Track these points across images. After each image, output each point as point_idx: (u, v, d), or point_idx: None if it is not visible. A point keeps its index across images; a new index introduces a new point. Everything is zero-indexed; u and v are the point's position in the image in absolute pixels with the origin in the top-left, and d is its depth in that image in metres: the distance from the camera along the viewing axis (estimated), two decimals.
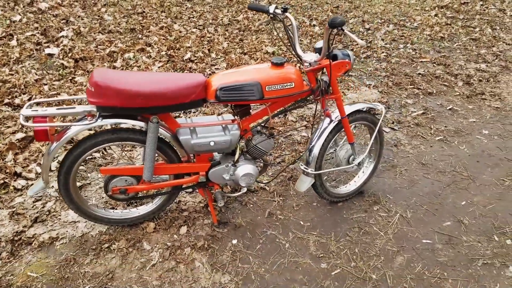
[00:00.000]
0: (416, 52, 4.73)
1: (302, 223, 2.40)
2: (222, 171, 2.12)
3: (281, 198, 2.57)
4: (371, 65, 4.43)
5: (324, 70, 2.10)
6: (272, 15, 2.06)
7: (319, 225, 2.39)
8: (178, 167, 2.09)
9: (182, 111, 3.38)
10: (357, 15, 5.86)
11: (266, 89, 1.93)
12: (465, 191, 2.72)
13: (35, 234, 2.20)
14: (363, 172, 2.63)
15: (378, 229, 2.39)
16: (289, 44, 2.08)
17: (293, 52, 2.08)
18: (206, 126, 2.03)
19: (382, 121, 2.40)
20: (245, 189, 2.26)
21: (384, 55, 4.63)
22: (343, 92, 3.84)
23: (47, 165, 1.89)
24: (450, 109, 3.70)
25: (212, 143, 1.98)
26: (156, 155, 2.04)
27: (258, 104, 2.04)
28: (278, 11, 2.03)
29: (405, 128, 3.38)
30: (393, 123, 3.43)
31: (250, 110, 2.10)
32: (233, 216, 2.40)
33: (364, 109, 2.36)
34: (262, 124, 2.19)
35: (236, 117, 2.09)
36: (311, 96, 2.14)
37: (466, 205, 2.60)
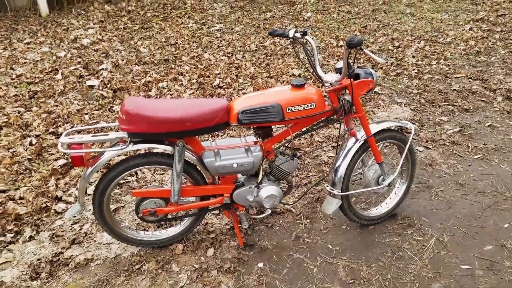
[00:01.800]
0: (450, 68, 4.60)
1: (330, 247, 2.35)
2: (246, 193, 2.14)
3: (308, 220, 2.53)
4: (402, 82, 4.35)
5: (347, 89, 2.10)
6: (292, 39, 2.09)
7: (349, 250, 2.33)
8: (204, 189, 2.12)
9: (209, 135, 3.46)
10: (386, 34, 5.80)
11: (287, 111, 1.95)
12: (508, 212, 2.57)
13: (72, 255, 2.29)
14: (395, 193, 2.56)
15: (413, 254, 2.29)
16: (310, 66, 2.09)
17: (314, 74, 2.09)
18: (229, 148, 2.06)
19: (413, 139, 2.33)
20: (269, 211, 2.25)
21: (416, 72, 4.54)
22: (372, 111, 3.78)
23: (83, 188, 1.98)
24: (489, 125, 3.55)
25: (235, 165, 2.01)
26: (183, 177, 2.09)
27: (279, 125, 2.05)
28: (298, 35, 2.06)
29: (440, 147, 3.26)
30: (427, 141, 3.32)
31: (272, 132, 2.11)
32: (259, 238, 2.39)
33: (393, 128, 2.32)
34: (286, 145, 2.19)
35: (258, 138, 2.11)
36: (334, 116, 2.14)
37: (509, 228, 2.46)
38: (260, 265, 2.23)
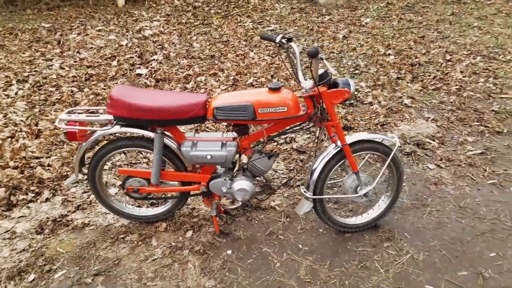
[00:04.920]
0: (497, 87, 4.31)
1: (300, 246, 2.43)
2: (221, 184, 2.30)
3: (288, 219, 2.63)
4: (438, 97, 4.18)
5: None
6: (279, 44, 2.21)
7: (317, 252, 2.40)
8: (182, 175, 2.33)
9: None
10: (442, 46, 5.55)
11: (259, 111, 2.08)
12: (500, 242, 2.45)
13: (73, 218, 2.63)
14: (378, 205, 2.56)
15: (380, 266, 2.30)
16: (292, 70, 2.19)
17: (295, 78, 2.18)
18: (207, 141, 2.24)
19: (395, 153, 2.33)
20: (239, 203, 2.39)
21: (456, 88, 4.33)
22: (394, 123, 3.71)
23: (77, 161, 2.29)
24: None
25: (209, 157, 2.18)
26: (167, 163, 2.32)
27: (253, 124, 2.18)
28: (284, 40, 2.17)
29: (454, 167, 3.14)
30: (441, 159, 3.21)
31: (248, 130, 2.25)
32: (236, 229, 2.55)
33: (379, 140, 2.33)
34: (264, 144, 2.32)
35: (234, 134, 2.26)
36: (310, 122, 2.22)
37: (495, 257, 2.34)
38: (229, 252, 2.39)
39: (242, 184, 2.26)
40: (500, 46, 5.50)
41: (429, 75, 4.67)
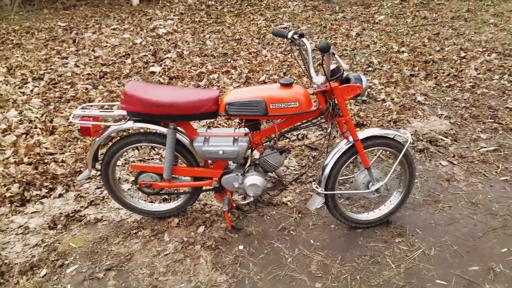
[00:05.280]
0: (511, 84, 4.25)
1: (312, 241, 2.44)
2: (233, 179, 2.32)
3: (299, 215, 2.64)
4: (452, 94, 4.14)
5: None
6: (291, 40, 2.21)
7: (329, 247, 2.40)
8: (194, 170, 2.35)
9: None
10: (456, 43, 5.48)
11: (270, 107, 2.09)
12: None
13: (86, 214, 2.68)
14: (390, 201, 2.55)
15: (391, 261, 2.30)
16: (304, 66, 2.19)
17: (307, 74, 2.19)
18: (219, 136, 2.26)
19: (407, 149, 2.32)
20: (251, 199, 2.40)
21: (470, 85, 4.27)
22: (407, 120, 3.68)
23: (91, 156, 2.34)
24: None
25: (221, 152, 2.20)
26: (179, 158, 2.35)
27: (265, 120, 2.19)
28: (296, 36, 2.17)
29: (467, 164, 3.11)
30: (453, 156, 3.18)
31: (260, 126, 2.26)
32: (248, 224, 2.56)
33: (391, 136, 2.32)
34: (275, 139, 2.33)
35: (246, 130, 2.27)
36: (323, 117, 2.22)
37: (506, 252, 2.32)
38: (241, 247, 2.40)
39: (254, 179, 2.28)
40: None
41: (443, 72, 4.62)
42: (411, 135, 3.36)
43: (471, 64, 4.80)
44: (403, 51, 5.24)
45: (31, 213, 2.68)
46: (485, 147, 3.30)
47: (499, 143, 3.34)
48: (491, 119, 3.67)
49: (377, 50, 5.40)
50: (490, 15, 6.82)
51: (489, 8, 7.14)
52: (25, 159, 3.11)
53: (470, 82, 4.35)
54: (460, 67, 4.75)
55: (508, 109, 3.82)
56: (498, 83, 4.32)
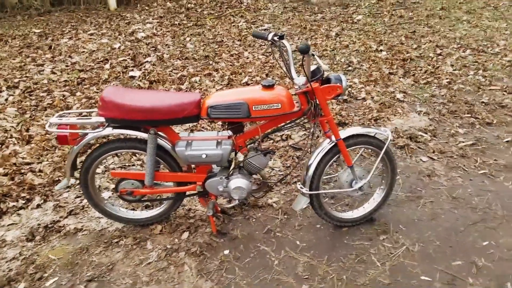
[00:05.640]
0: (486, 79, 4.35)
1: (298, 243, 2.43)
2: (217, 183, 2.29)
3: (285, 216, 2.63)
4: (429, 91, 4.21)
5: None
6: (271, 42, 2.20)
7: (315, 247, 2.40)
8: (177, 175, 2.32)
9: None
10: (432, 40, 5.59)
11: (253, 109, 2.08)
12: (492, 231, 2.47)
13: (65, 224, 2.60)
14: (373, 199, 2.57)
15: (377, 259, 2.31)
16: (285, 67, 2.18)
17: (288, 75, 2.18)
18: (202, 140, 2.23)
19: (388, 146, 2.33)
20: (236, 202, 2.38)
21: (447, 82, 4.36)
22: (387, 118, 3.72)
23: (69, 164, 2.27)
24: (507, 141, 3.35)
25: (204, 156, 2.17)
26: (161, 164, 2.31)
27: (248, 122, 2.18)
28: (276, 38, 2.16)
29: (446, 159, 3.16)
30: (433, 152, 3.23)
31: (244, 128, 2.25)
32: (234, 228, 2.54)
33: (372, 134, 2.34)
34: (259, 141, 2.31)
35: (229, 133, 2.25)
36: (305, 118, 2.22)
37: (487, 246, 2.36)
38: (226, 252, 2.37)
39: (238, 182, 2.25)
40: (488, 39, 5.56)
41: (421, 70, 4.70)
42: (392, 132, 3.40)
43: (447, 61, 4.89)
44: (381, 50, 5.31)
45: (8, 225, 2.59)
46: (463, 142, 3.36)
47: (477, 137, 3.41)
48: (468, 114, 3.75)
49: (356, 50, 5.45)
50: (463, 13, 6.98)
51: (462, 5, 7.31)
52: (1, 170, 3.02)
53: (446, 78, 4.43)
54: (436, 64, 4.83)
55: (483, 104, 3.90)
56: (473, 78, 4.41)
